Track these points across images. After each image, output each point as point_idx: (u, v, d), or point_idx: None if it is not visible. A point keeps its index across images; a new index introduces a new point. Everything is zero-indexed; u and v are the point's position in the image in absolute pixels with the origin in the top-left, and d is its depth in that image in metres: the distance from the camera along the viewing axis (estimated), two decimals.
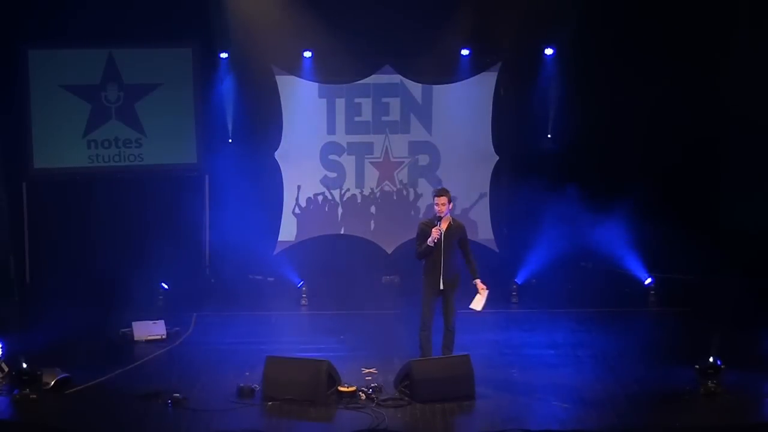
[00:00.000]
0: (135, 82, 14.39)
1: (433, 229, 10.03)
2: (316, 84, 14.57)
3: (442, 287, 10.18)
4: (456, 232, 10.23)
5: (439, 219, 10.12)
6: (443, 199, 10.14)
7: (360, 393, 9.56)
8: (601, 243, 13.63)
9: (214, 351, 11.17)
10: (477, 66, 14.51)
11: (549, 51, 14.27)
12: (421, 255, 10.22)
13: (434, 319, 10.30)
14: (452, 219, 10.30)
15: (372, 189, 14.86)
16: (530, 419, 9.00)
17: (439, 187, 10.66)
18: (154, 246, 13.64)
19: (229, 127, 14.48)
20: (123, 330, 11.71)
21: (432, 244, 10.04)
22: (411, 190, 14.87)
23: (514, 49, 14.14)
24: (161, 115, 14.47)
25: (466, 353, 9.93)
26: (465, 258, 10.35)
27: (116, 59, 14.31)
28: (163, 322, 11.77)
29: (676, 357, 10.60)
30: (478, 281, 10.26)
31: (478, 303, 10.21)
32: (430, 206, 14.16)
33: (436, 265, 10.15)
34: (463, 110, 14.62)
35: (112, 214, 14.21)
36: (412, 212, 14.83)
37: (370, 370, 10.26)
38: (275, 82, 14.50)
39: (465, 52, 14.38)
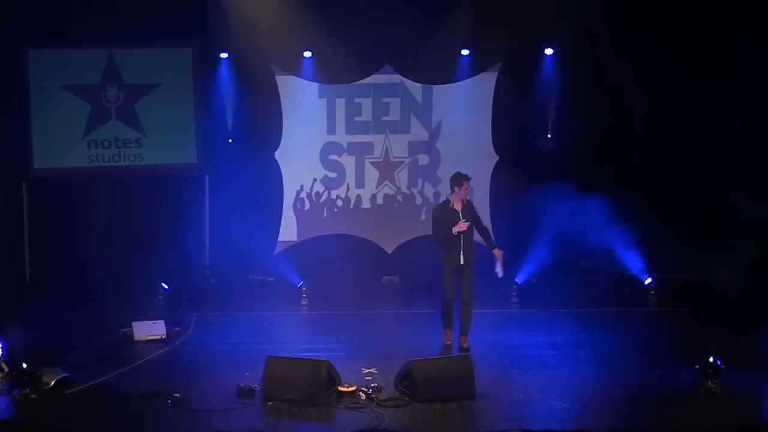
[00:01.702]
0: (135, 82, 14.39)
1: (461, 223, 10.98)
2: (316, 84, 14.56)
3: (462, 262, 11.07)
4: (469, 210, 11.26)
5: (451, 202, 11.11)
6: (468, 184, 11.20)
7: (360, 393, 9.56)
8: (600, 242, 13.63)
9: (214, 351, 11.16)
10: (477, 66, 14.49)
11: (549, 51, 14.27)
12: (442, 240, 11.08)
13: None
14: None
15: (372, 189, 14.86)
16: (530, 419, 9.00)
17: (463, 173, 11.28)
18: (154, 246, 13.67)
19: (229, 127, 14.48)
20: (123, 330, 11.70)
21: (457, 233, 10.96)
22: (411, 190, 14.87)
23: (514, 49, 14.12)
24: (161, 115, 14.47)
25: (466, 353, 9.92)
26: (482, 235, 11.47)
27: (116, 59, 14.31)
28: (163, 322, 11.75)
29: (676, 357, 10.60)
30: (495, 250, 11.29)
31: (499, 269, 11.24)
32: (429, 208, 14.37)
33: (456, 243, 11.06)
34: (463, 110, 14.62)
35: (112, 214, 14.20)
36: (412, 212, 14.84)
37: (370, 370, 10.26)
38: (275, 82, 14.49)
39: (465, 52, 14.37)
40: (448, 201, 11.25)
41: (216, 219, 14.55)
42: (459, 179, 11.18)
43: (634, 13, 13.54)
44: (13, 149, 14.02)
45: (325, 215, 14.86)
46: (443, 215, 11.13)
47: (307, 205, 14.83)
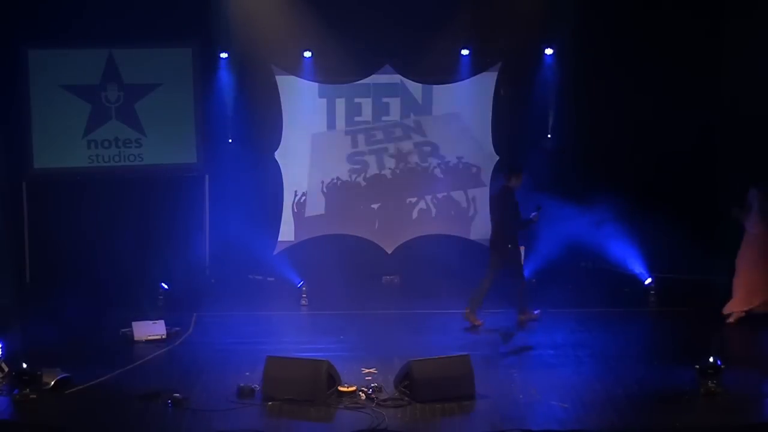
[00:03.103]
0: (135, 82, 14.39)
1: (535, 215, 11.88)
2: (316, 84, 14.56)
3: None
4: None
5: (512, 191, 11.71)
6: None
7: (360, 393, 9.56)
8: (600, 242, 13.63)
9: (214, 351, 11.15)
10: (477, 66, 14.50)
11: (549, 51, 14.28)
12: (523, 226, 11.98)
13: None
14: None
15: (372, 189, 14.85)
16: (530, 419, 8.99)
17: (513, 164, 12.16)
18: (154, 246, 13.67)
19: (229, 127, 14.48)
20: (123, 330, 11.69)
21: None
22: (411, 190, 14.86)
23: (514, 49, 14.14)
24: (161, 115, 14.47)
25: (466, 353, 9.93)
26: None
27: (116, 59, 14.31)
28: (163, 322, 11.73)
29: (676, 357, 10.59)
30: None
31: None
32: (429, 208, 14.33)
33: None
34: (463, 110, 14.62)
35: (112, 214, 14.20)
36: (413, 212, 14.83)
37: (370, 370, 10.25)
38: (275, 82, 14.50)
39: (465, 52, 14.38)
40: (510, 188, 11.73)
41: (216, 219, 14.56)
42: (518, 170, 11.81)
43: (634, 13, 13.56)
44: (13, 149, 14.02)
45: (325, 215, 14.86)
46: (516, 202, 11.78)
47: (308, 205, 14.82)
